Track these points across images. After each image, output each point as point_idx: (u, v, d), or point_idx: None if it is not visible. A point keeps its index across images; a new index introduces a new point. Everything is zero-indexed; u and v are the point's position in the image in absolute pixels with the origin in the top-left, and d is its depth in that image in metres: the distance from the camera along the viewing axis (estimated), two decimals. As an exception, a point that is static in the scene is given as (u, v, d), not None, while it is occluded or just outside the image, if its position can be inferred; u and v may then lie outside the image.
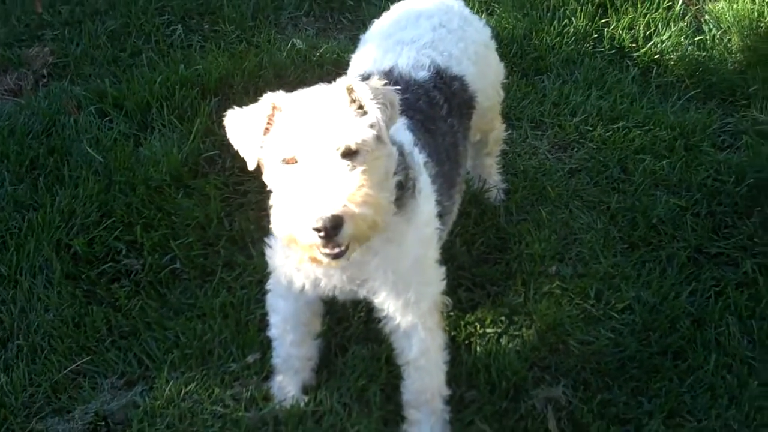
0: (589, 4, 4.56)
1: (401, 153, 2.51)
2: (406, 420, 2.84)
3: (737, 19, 4.56)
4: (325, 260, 2.25)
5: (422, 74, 2.88)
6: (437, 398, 2.81)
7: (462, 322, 3.07)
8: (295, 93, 2.35)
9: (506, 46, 4.25)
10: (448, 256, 3.03)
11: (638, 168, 3.71)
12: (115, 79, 4.05)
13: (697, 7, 4.75)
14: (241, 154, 2.37)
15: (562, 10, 4.52)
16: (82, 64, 4.18)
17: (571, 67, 4.23)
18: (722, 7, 4.66)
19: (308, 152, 2.21)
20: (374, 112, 2.28)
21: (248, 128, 2.33)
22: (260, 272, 3.11)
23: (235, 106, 2.37)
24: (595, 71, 4.20)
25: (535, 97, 4.05)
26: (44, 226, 3.29)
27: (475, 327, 3.06)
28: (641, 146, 3.82)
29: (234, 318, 3.02)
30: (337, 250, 2.22)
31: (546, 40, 4.35)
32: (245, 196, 3.50)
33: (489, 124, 3.37)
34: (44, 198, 3.41)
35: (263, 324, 2.93)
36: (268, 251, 2.67)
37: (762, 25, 4.55)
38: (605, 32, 4.44)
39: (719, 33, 4.53)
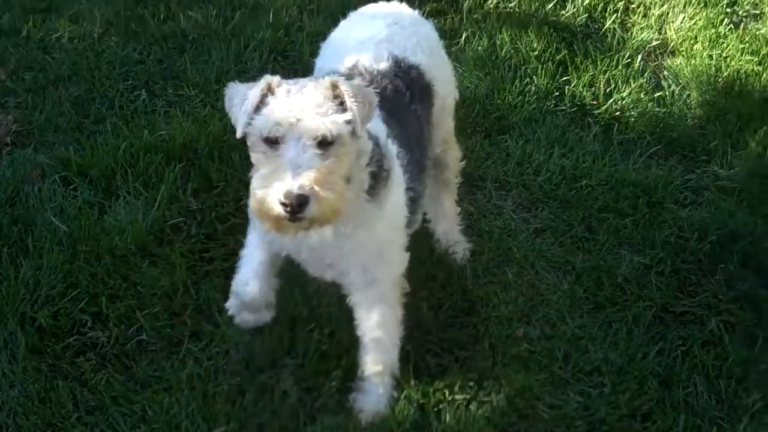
0: (550, 62, 4.63)
1: (377, 144, 2.78)
2: (355, 389, 3.08)
3: (695, 74, 4.66)
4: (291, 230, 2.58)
5: (383, 65, 3.08)
6: (388, 373, 3.05)
7: (431, 389, 3.06)
8: (288, 81, 2.61)
9: (469, 105, 4.30)
10: (414, 321, 3.07)
11: (602, 226, 3.76)
12: (80, 146, 4.03)
13: (656, 63, 4.84)
14: (233, 123, 2.64)
15: (523, 68, 4.59)
16: (46, 131, 4.15)
17: (533, 125, 4.27)
18: (680, 63, 4.76)
19: (288, 136, 2.50)
20: (353, 109, 2.54)
21: (243, 102, 2.59)
22: (227, 342, 3.11)
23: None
24: (557, 129, 4.24)
25: (498, 156, 4.08)
26: (8, 299, 3.25)
27: (444, 394, 3.05)
28: (605, 204, 3.86)
29: (201, 390, 2.99)
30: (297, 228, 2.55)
31: (508, 99, 4.40)
32: (211, 263, 3.48)
33: (447, 131, 3.48)
34: (8, 269, 3.37)
35: (231, 395, 2.92)
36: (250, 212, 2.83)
37: (720, 80, 4.65)
38: (566, 90, 4.50)
39: (678, 89, 4.62)
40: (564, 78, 4.57)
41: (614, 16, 5.06)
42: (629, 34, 4.98)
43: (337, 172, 2.53)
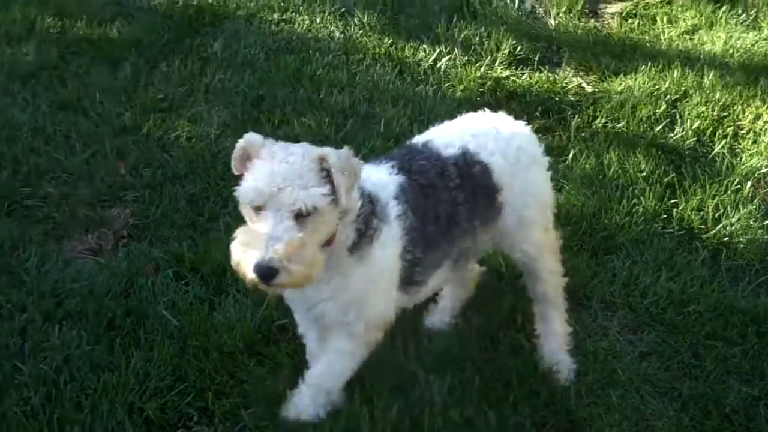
0: (658, 184, 4.62)
1: (371, 202, 2.98)
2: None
3: (807, 204, 4.60)
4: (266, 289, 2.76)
5: (449, 151, 3.26)
6: (324, 393, 3.20)
7: None
8: (276, 145, 2.82)
9: (575, 223, 4.31)
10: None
11: (710, 354, 3.66)
12: (193, 243, 4.15)
13: (766, 190, 4.79)
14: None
15: (630, 189, 4.59)
16: (162, 226, 4.29)
17: (640, 247, 4.24)
18: (791, 193, 4.71)
19: (268, 205, 2.69)
20: (338, 182, 2.74)
21: (235, 158, 2.85)
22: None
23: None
24: (664, 252, 4.20)
25: (604, 276, 4.05)
26: (118, 388, 3.31)
27: None
28: (712, 331, 3.77)
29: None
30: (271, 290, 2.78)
31: (615, 219, 4.39)
32: (315, 365, 3.52)
33: (532, 243, 3.49)
34: (119, 359, 3.45)
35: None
36: None
37: (831, 208, 4.57)
38: (674, 213, 4.48)
39: (789, 219, 4.55)
40: (672, 200, 4.55)
41: (723, 141, 5.05)
42: (738, 159, 4.94)
43: (311, 241, 2.72)
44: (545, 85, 5.62)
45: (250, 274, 2.67)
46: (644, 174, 4.70)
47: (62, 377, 3.38)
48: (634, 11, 6.75)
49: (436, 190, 3.17)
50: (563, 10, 6.57)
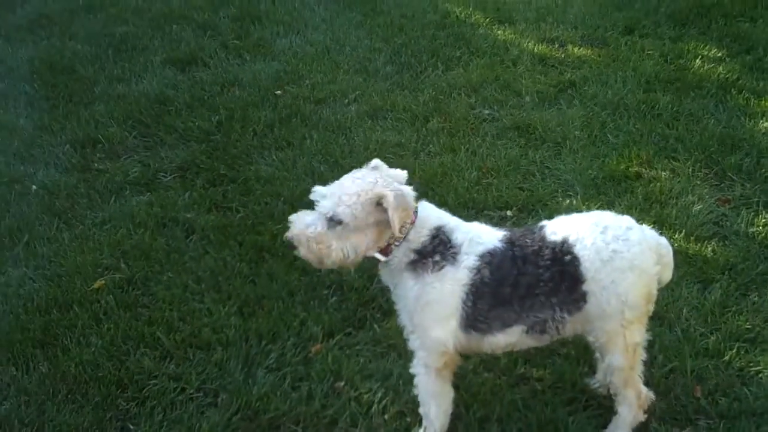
0: None
1: (449, 244, 3.86)
2: None
3: None
4: None
5: (552, 237, 3.91)
6: (426, 420, 4.18)
7: None
8: (358, 171, 3.92)
9: None
10: None
11: None
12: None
13: None
14: None
15: None
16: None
17: None
18: None
19: (317, 205, 3.80)
20: (391, 215, 3.66)
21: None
22: None
23: None
24: None
25: None
26: None
27: None
28: None
29: None
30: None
31: None
32: None
33: (603, 336, 4.04)
34: None
35: None
36: None
37: None
38: None
39: None
40: None
41: None
42: None
43: (330, 243, 3.76)
44: None
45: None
46: None
47: None
48: None
49: (526, 264, 3.84)
50: None
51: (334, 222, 3.72)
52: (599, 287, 3.89)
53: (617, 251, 3.87)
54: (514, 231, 4.05)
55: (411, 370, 4.14)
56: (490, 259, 3.87)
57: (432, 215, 3.97)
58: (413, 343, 4.06)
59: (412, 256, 3.85)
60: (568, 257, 3.86)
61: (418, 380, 4.11)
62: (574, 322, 4.00)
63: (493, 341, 4.01)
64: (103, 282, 5.75)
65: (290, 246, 3.87)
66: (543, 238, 3.92)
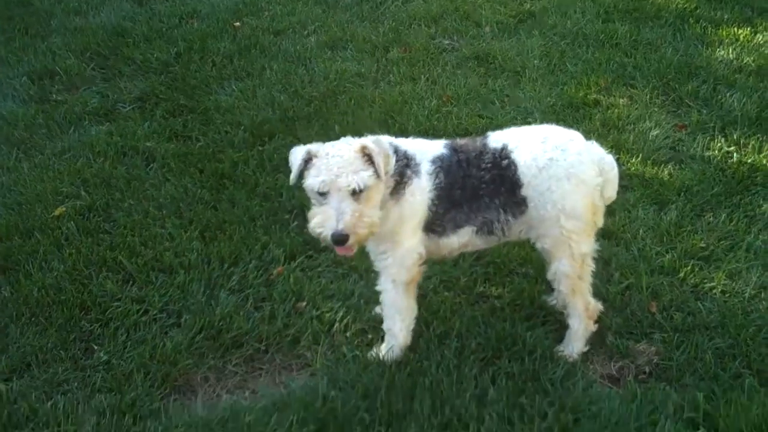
0: None
1: (407, 158, 4.09)
2: None
3: None
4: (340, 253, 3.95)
5: (493, 144, 4.18)
6: (391, 335, 4.35)
7: None
8: (326, 144, 3.94)
9: None
10: None
11: None
12: (713, 396, 4.14)
13: None
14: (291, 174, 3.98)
15: None
16: (683, 371, 4.34)
17: None
18: None
19: (331, 190, 3.81)
20: (377, 161, 3.85)
21: (295, 162, 3.97)
22: None
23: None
24: None
25: None
26: None
27: None
28: None
29: None
30: (346, 254, 3.93)
31: None
32: None
33: (547, 241, 4.26)
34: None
35: None
36: None
37: None
38: None
39: None
40: None
41: None
42: None
43: (367, 209, 3.84)
44: None
45: (329, 240, 3.79)
46: None
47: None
48: None
49: (470, 167, 4.12)
50: None
51: (357, 193, 3.81)
52: (537, 193, 4.11)
53: (554, 159, 4.08)
54: (456, 140, 4.30)
55: (378, 288, 4.29)
56: (440, 163, 4.12)
57: (388, 141, 4.11)
58: (382, 263, 4.22)
59: (392, 183, 4.03)
60: (505, 162, 4.11)
61: (386, 296, 4.27)
62: (518, 225, 4.23)
63: (447, 243, 4.26)
64: (64, 209, 5.73)
65: (340, 243, 3.82)
66: (485, 145, 4.18)
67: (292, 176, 3.98)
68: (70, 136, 6.76)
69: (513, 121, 6.70)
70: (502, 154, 4.12)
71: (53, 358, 4.49)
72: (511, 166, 4.10)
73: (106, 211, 5.75)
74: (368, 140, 3.93)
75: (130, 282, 5.06)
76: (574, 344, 4.44)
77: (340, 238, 3.77)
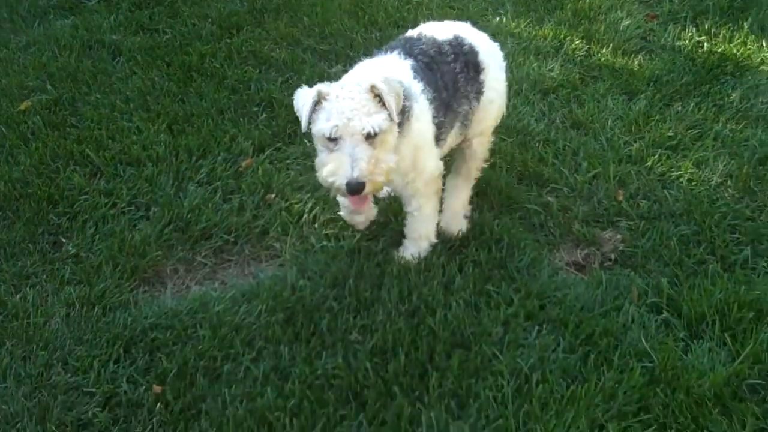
0: None
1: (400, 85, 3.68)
2: (402, 246, 4.35)
3: None
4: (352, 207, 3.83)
5: (443, 38, 4.09)
6: (424, 239, 4.27)
7: None
8: (333, 86, 3.61)
9: None
10: None
11: None
12: (676, 281, 4.21)
13: None
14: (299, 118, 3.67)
15: None
16: (649, 258, 4.40)
17: None
18: None
19: (344, 135, 3.50)
20: (388, 102, 3.53)
21: (304, 106, 3.61)
22: None
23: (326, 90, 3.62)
24: None
25: None
26: (585, 400, 3.50)
27: None
28: None
29: None
30: (359, 207, 3.72)
31: None
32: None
33: (485, 127, 4.36)
34: (591, 374, 3.64)
35: None
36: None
37: None
38: None
39: None
40: None
41: None
42: None
43: (382, 154, 3.54)
44: None
45: (343, 189, 3.50)
46: None
47: (535, 376, 3.64)
48: None
49: (439, 65, 4.01)
50: None
51: (371, 137, 3.53)
52: (490, 77, 4.23)
53: (497, 49, 4.32)
54: (397, 48, 4.08)
55: (412, 209, 4.19)
56: (420, 75, 3.94)
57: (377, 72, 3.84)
58: (412, 189, 4.08)
59: (399, 118, 3.70)
60: (466, 47, 4.12)
61: (424, 211, 4.18)
62: (477, 114, 4.27)
63: (444, 147, 4.17)
64: (30, 103, 5.66)
65: (356, 192, 3.52)
66: (434, 40, 4.10)
67: (304, 121, 3.62)
68: (34, 30, 6.64)
69: (483, 13, 6.63)
70: (458, 42, 4.11)
71: (21, 252, 4.49)
72: (473, 49, 4.13)
73: (73, 105, 5.68)
74: (377, 79, 3.59)
75: (98, 175, 5.03)
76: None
77: (357, 187, 3.48)
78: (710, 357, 3.75)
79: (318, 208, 4.66)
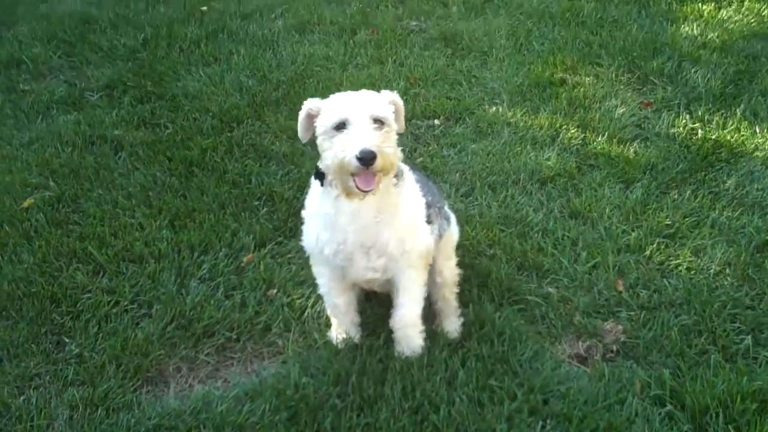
0: None
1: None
2: (395, 341, 4.31)
3: None
4: (359, 193, 3.55)
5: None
6: (411, 326, 4.23)
7: None
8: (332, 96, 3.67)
9: None
10: None
11: None
12: (679, 372, 4.21)
13: None
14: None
15: None
16: (650, 349, 4.40)
17: None
18: None
19: (353, 119, 3.50)
20: (399, 110, 3.76)
21: (301, 125, 3.77)
22: None
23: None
24: None
25: None
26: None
27: None
28: None
29: None
30: (368, 187, 3.52)
31: None
32: None
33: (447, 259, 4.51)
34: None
35: None
36: (304, 233, 4.05)
37: None
38: None
39: None
40: None
41: None
42: None
43: (388, 140, 3.56)
44: None
45: (353, 162, 3.42)
46: None
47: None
48: None
49: (430, 189, 4.26)
50: None
51: (380, 122, 3.58)
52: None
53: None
54: None
55: (407, 283, 4.14)
56: (413, 175, 4.15)
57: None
58: (406, 258, 4.02)
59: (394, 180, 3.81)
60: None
61: (416, 284, 4.17)
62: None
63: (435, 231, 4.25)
64: (33, 201, 5.72)
65: (368, 162, 3.42)
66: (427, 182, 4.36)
67: (301, 131, 3.79)
68: (37, 125, 6.74)
69: (480, 102, 6.74)
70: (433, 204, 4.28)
71: (24, 352, 4.49)
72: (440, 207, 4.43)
73: (75, 201, 5.74)
74: (397, 95, 3.80)
75: (101, 273, 5.06)
76: None
77: (369, 155, 3.38)
78: (717, 452, 3.74)
79: (320, 303, 4.67)
